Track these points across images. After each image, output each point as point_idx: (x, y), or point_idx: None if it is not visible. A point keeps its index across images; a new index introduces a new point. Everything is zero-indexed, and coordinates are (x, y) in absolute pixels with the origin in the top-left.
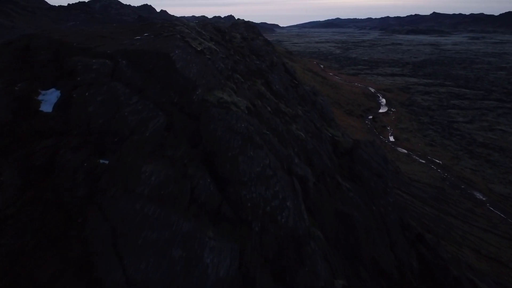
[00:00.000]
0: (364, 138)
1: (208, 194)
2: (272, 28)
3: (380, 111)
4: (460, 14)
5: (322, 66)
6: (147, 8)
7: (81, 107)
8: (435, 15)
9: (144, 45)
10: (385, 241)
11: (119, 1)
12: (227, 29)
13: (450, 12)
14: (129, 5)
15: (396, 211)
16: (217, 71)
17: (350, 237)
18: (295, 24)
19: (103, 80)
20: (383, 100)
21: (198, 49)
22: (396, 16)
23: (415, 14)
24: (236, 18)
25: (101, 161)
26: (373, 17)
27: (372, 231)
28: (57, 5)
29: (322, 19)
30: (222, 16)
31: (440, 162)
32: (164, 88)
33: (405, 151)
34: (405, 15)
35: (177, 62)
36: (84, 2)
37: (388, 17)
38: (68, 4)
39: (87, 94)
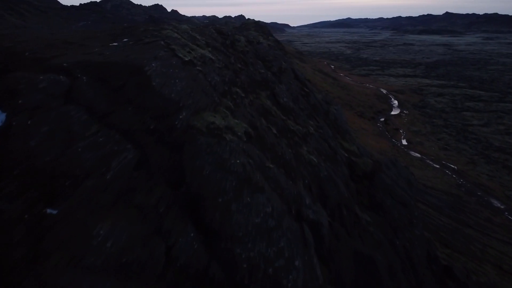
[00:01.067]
0: (385, 156)
1: (191, 253)
2: (282, 28)
3: (392, 113)
4: (473, 14)
5: (332, 66)
6: (158, 8)
7: (22, 139)
8: (448, 15)
9: (115, 55)
10: (411, 282)
11: (130, 1)
12: (230, 31)
13: (463, 12)
14: (140, 5)
15: (423, 244)
16: (209, 86)
17: (372, 283)
18: (306, 24)
19: (51, 104)
20: (395, 102)
21: (186, 59)
22: (408, 16)
23: (428, 14)
24: (247, 18)
25: (49, 210)
26: (385, 17)
27: (397, 273)
28: (69, 5)
29: (332, 19)
30: (233, 16)
31: (455, 167)
32: (136, 112)
33: (418, 155)
34: (417, 15)
35: (154, 78)
36: (96, 2)
37: (400, 17)
38: (80, 4)
39: (29, 122)
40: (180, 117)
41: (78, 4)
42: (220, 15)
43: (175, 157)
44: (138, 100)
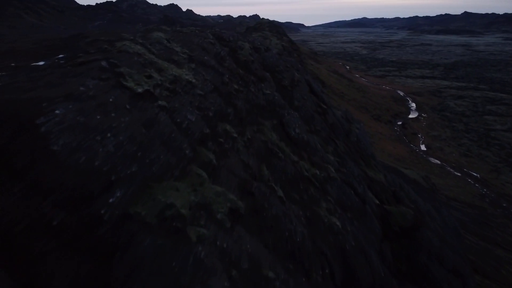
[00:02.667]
0: (428, 205)
1: None
2: (297, 27)
3: (410, 116)
4: (492, 14)
5: (348, 67)
6: (173, 7)
7: None
8: (466, 14)
9: (12, 90)
10: None
11: (146, 1)
12: (233, 36)
13: (483, 11)
14: (156, 4)
15: None
16: (177, 133)
17: None
18: (321, 23)
19: None
20: (413, 105)
21: (139, 90)
22: (425, 15)
23: (445, 14)
24: (261, 17)
25: None
26: (401, 17)
27: None
28: (85, 4)
29: (348, 18)
30: (247, 16)
31: (478, 175)
32: (27, 196)
33: (438, 162)
34: (434, 15)
35: (55, 138)
36: (112, 1)
37: (417, 16)
38: (96, 3)
39: None
40: (110, 200)
41: (94, 4)
42: (235, 15)
43: (101, 276)
44: (31, 176)
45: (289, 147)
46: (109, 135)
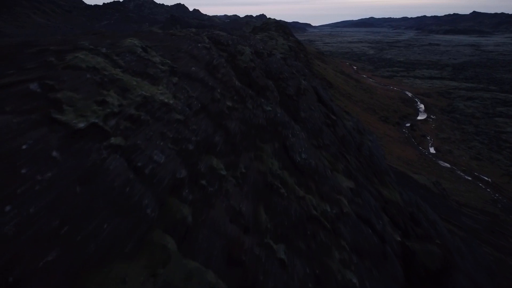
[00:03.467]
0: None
1: None
2: (304, 27)
3: (419, 118)
4: (502, 14)
5: (355, 67)
6: (180, 7)
7: None
8: (475, 14)
9: None
10: None
11: (153, 0)
12: (232, 40)
13: (492, 11)
14: (163, 4)
15: None
16: (135, 185)
17: None
18: (328, 23)
19: None
20: (422, 106)
21: (80, 125)
22: (433, 15)
23: (454, 13)
24: (268, 17)
25: None
26: (409, 16)
27: None
28: (93, 4)
29: (355, 18)
30: (254, 15)
31: (489, 179)
32: None
33: (448, 165)
34: (442, 14)
35: None
36: (119, 1)
37: (424, 16)
38: (103, 3)
39: None
40: None
41: (101, 4)
42: (242, 15)
43: None
44: None
45: (293, 177)
46: (8, 208)
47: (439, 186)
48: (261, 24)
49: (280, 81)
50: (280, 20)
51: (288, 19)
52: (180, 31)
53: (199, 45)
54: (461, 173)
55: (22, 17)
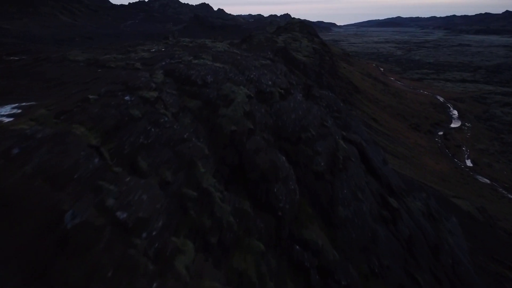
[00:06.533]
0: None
1: None
2: (329, 27)
3: (452, 125)
4: None
5: (382, 69)
6: (204, 7)
7: None
8: (508, 13)
9: None
10: None
11: (178, 0)
12: (214, 74)
13: None
14: (187, 4)
15: None
16: None
17: None
18: (353, 22)
19: None
20: (455, 112)
21: None
22: (463, 14)
23: (485, 13)
24: (292, 17)
25: None
26: (437, 16)
27: None
28: (118, 4)
29: (381, 17)
30: (278, 15)
31: None
32: None
33: (488, 181)
34: (473, 14)
35: None
36: (144, 1)
37: (454, 15)
38: (129, 3)
39: None
40: None
41: (127, 3)
42: (266, 14)
43: None
44: None
45: None
46: None
47: (485, 212)
48: (285, 24)
49: (302, 145)
50: (305, 19)
51: (313, 18)
52: (114, 58)
53: (127, 99)
54: (504, 191)
55: (49, 17)
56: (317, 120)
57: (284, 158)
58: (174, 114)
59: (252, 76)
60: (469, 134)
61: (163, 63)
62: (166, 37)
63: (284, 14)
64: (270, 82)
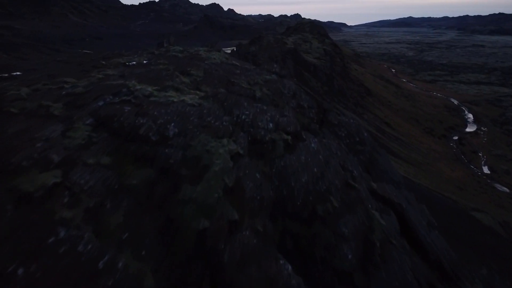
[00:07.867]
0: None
1: None
2: (339, 27)
3: (467, 130)
4: None
5: (393, 70)
6: (215, 7)
7: None
8: None
9: None
10: None
11: (188, 0)
12: (178, 130)
13: None
14: (197, 4)
15: None
16: None
17: None
18: (364, 23)
19: None
20: (470, 116)
21: None
22: (476, 14)
23: (499, 13)
24: (303, 17)
25: None
26: (450, 16)
27: None
28: (129, 4)
29: (393, 17)
30: (289, 15)
31: None
32: None
33: (507, 190)
34: (486, 14)
35: None
36: (154, 1)
37: (467, 16)
38: (139, 3)
39: None
40: None
41: (137, 4)
42: (276, 14)
43: None
44: None
45: None
46: None
47: (508, 227)
48: (295, 25)
49: (318, 225)
50: (315, 19)
51: (323, 18)
52: (27, 94)
53: None
54: None
55: (60, 17)
56: (340, 177)
57: (290, 267)
58: (88, 210)
59: (243, 116)
60: (485, 139)
61: (100, 103)
62: (160, 43)
63: (295, 14)
64: (271, 125)
